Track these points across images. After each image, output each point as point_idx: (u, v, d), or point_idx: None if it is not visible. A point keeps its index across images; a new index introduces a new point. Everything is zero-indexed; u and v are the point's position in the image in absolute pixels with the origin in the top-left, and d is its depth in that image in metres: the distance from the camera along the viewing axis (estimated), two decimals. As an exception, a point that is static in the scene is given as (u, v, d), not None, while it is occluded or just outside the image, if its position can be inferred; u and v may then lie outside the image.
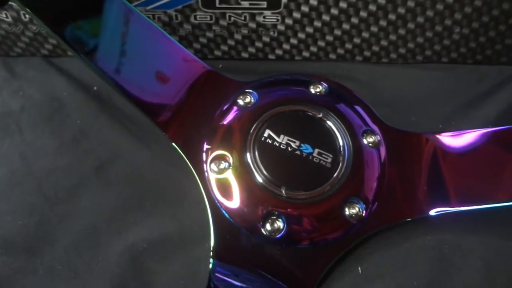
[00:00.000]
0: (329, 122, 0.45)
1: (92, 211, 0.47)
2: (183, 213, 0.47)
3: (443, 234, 0.46)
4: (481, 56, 0.61)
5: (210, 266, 0.40)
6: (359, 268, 0.44)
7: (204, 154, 0.45)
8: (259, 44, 0.60)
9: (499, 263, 0.44)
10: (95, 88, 0.58)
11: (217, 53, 0.61)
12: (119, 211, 0.47)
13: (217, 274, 0.40)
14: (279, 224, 0.41)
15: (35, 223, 0.46)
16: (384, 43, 0.59)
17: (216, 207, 0.43)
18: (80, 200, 0.48)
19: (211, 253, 0.41)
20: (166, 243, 0.45)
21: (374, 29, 0.57)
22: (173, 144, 0.45)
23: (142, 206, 0.47)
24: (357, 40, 0.59)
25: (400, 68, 0.62)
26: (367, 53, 0.61)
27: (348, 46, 0.60)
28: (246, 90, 0.47)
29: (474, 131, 0.46)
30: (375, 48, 0.60)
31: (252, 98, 0.47)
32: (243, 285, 0.40)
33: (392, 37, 0.58)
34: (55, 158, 0.51)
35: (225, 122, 0.45)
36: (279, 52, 0.61)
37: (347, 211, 0.42)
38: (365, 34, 0.58)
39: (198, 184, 0.45)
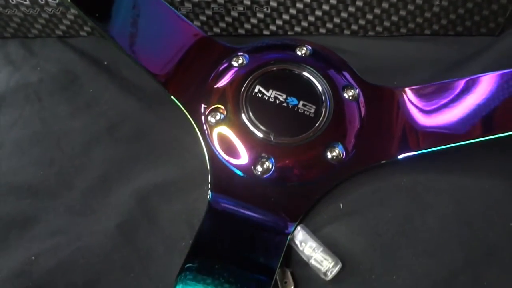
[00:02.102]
0: (312, 78, 0.55)
1: (104, 162, 0.57)
2: (185, 163, 0.56)
3: (418, 176, 0.54)
4: (462, 28, 0.70)
5: (209, 197, 0.50)
6: (340, 204, 0.52)
7: (202, 108, 0.54)
8: (254, 21, 0.70)
9: (468, 201, 0.53)
10: (105, 63, 0.68)
11: (216, 30, 0.71)
12: (128, 163, 0.57)
13: (215, 202, 0.49)
14: (268, 165, 0.51)
15: (55, 173, 0.56)
16: (369, 16, 0.69)
17: (213, 153, 0.53)
18: (94, 154, 0.58)
19: (209, 187, 0.50)
20: (169, 186, 0.54)
21: (359, 3, 0.67)
22: (174, 99, 0.55)
23: (149, 158, 0.57)
24: (344, 15, 0.69)
25: (386, 40, 0.71)
26: (354, 27, 0.70)
27: (336, 20, 0.70)
28: (239, 53, 0.57)
29: (439, 83, 0.55)
30: (362, 21, 0.70)
31: (244, 60, 0.57)
32: (239, 210, 0.50)
33: (377, 11, 0.68)
34: (71, 120, 0.61)
35: (220, 80, 0.55)
36: (273, 27, 0.71)
37: (328, 154, 0.52)
38: (351, 9, 0.68)
39: (198, 136, 0.55)
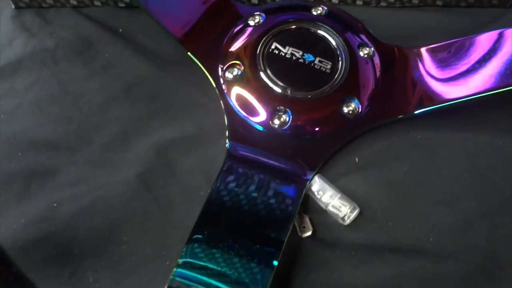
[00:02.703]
0: (328, 36, 0.57)
1: (122, 120, 0.59)
2: (202, 121, 0.58)
3: (432, 132, 0.56)
4: (473, -2, 0.73)
5: (227, 146, 0.52)
6: (356, 158, 0.54)
7: (219, 64, 0.57)
8: (267, -10, 0.72)
9: (483, 156, 0.55)
10: (120, 30, 0.70)
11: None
12: (146, 120, 0.59)
13: (234, 150, 0.52)
14: (285, 118, 0.53)
15: (73, 129, 0.58)
16: (382, -14, 0.71)
17: (230, 108, 0.55)
18: (111, 113, 0.60)
19: (228, 137, 0.53)
20: (187, 141, 0.56)
21: (372, -27, 0.69)
22: (191, 55, 0.57)
23: (166, 116, 0.59)
24: (356, -16, 0.71)
25: (398, 10, 0.73)
26: (366, -3, 0.73)
27: (349, -11, 0.72)
28: (255, 13, 0.60)
29: (453, 41, 0.57)
30: (374, -9, 0.72)
31: (261, 19, 0.59)
32: (257, 157, 0.52)
33: (389, -20, 0.70)
34: (88, 82, 0.63)
35: (237, 37, 0.58)
36: (286, -4, 0.73)
37: (345, 109, 0.54)
38: (364, -22, 0.70)
39: (214, 94, 0.57)
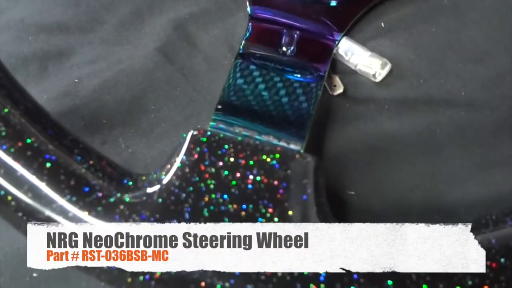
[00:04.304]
0: None
1: (133, 0, 0.58)
2: (218, -4, 0.58)
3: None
4: None
5: (249, 10, 0.52)
6: (382, 23, 0.55)
7: None
8: None
9: None
10: None
11: None
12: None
13: (256, 13, 0.52)
14: (308, -19, 0.53)
15: (83, 11, 0.58)
16: None
17: None
18: (121, -6, 0.59)
19: (248, 2, 0.52)
20: (205, 14, 0.56)
21: None
22: None
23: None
24: None
25: None
26: None
27: None
28: None
29: None
30: None
31: None
32: (282, 19, 0.52)
33: None
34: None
35: None
36: None
37: (369, -30, 0.54)
38: None
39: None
